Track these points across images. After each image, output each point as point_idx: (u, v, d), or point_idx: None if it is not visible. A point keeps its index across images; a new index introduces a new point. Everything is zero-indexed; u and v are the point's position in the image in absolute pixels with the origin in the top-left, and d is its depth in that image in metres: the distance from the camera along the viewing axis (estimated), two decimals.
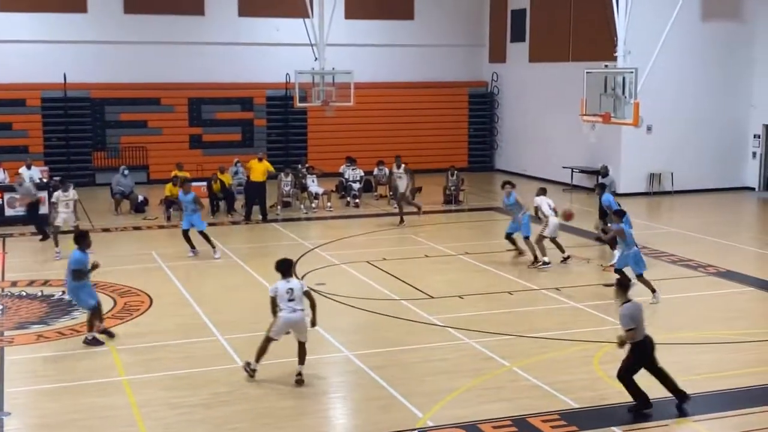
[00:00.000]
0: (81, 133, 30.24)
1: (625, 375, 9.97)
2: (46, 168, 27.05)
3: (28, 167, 23.81)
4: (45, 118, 29.89)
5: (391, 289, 15.76)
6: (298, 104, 26.72)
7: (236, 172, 25.86)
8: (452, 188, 26.02)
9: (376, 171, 27.32)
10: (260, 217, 22.95)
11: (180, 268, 17.44)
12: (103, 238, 20.35)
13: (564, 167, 29.26)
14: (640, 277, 14.63)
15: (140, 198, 24.63)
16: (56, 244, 18.31)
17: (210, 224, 20.48)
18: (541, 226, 17.71)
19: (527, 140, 32.42)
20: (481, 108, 34.54)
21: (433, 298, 15.18)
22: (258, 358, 11.14)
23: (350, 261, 18.09)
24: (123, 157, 29.93)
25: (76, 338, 12.84)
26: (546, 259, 17.39)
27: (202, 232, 18.38)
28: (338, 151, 30.24)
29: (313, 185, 25.31)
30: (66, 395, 10.62)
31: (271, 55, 31.51)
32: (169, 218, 22.87)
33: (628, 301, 10.00)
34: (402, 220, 22.33)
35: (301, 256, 18.51)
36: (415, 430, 9.63)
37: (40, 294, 15.41)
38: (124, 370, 11.50)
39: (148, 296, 15.14)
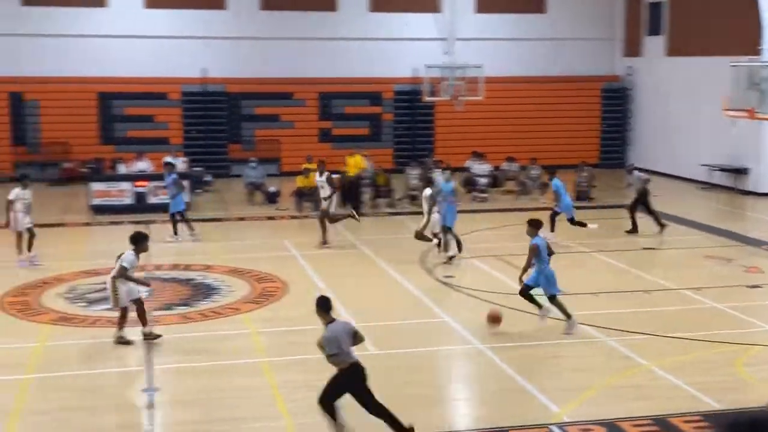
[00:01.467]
0: (218, 125, 31.33)
1: (325, 399, 8.97)
2: (185, 159, 28.16)
3: (173, 157, 24.91)
4: (185, 111, 31.11)
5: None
6: (427, 98, 26.82)
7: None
8: (583, 184, 25.55)
9: (504, 166, 27.12)
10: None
11: (312, 257, 17.83)
12: (239, 226, 21.05)
13: (702, 165, 28.22)
14: (553, 298, 12.85)
15: (272, 189, 25.32)
16: (21, 251, 16.85)
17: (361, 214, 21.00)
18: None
19: (663, 136, 31.43)
20: (614, 103, 33.73)
21: (565, 294, 14.95)
22: None
23: (479, 255, 18.05)
24: (257, 149, 30.82)
25: (217, 320, 13.34)
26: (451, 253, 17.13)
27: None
28: (465, 145, 30.17)
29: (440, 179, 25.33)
30: (209, 374, 11.05)
31: (401, 50, 31.74)
32: (300, 209, 23.41)
33: (332, 321, 8.91)
34: (325, 241, 18.75)
35: (430, 249, 18.60)
36: (551, 424, 9.54)
37: (182, 277, 16.08)
38: (263, 353, 11.87)
39: (284, 283, 15.56)
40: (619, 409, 9.87)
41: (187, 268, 16.81)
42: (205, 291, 15.09)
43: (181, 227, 19.47)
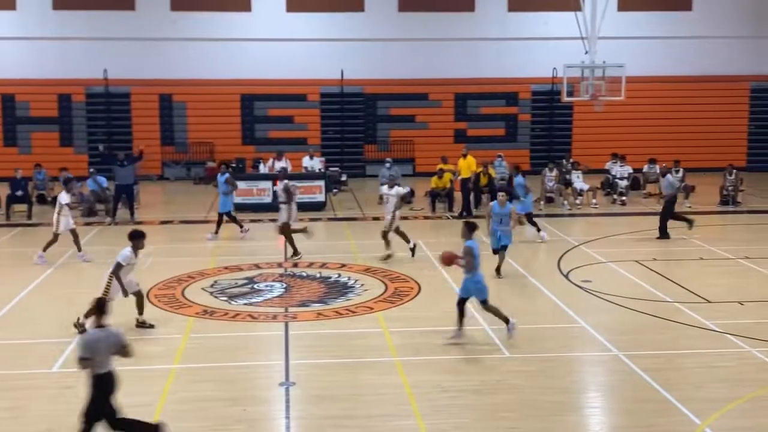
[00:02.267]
0: (354, 126, 31.82)
1: (87, 415, 8.44)
2: (322, 159, 28.73)
3: (311, 158, 25.51)
4: (323, 112, 31.77)
5: (663, 291, 15.09)
6: (566, 99, 26.32)
7: (499, 166, 25.98)
8: (730, 188, 24.44)
9: (645, 168, 26.28)
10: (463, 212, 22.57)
11: None
12: (373, 225, 21.26)
13: None
14: (485, 304, 12.23)
15: (406, 189, 25.44)
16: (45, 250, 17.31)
17: (475, 216, 20.81)
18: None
19: None
20: (764, 103, 32.11)
21: (709, 302, 14.33)
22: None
23: (617, 260, 17.54)
24: (391, 150, 31.10)
25: (351, 318, 13.52)
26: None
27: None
28: (604, 147, 29.45)
29: (578, 181, 24.84)
30: (344, 370, 11.21)
31: (539, 50, 31.31)
32: (434, 209, 23.44)
33: (102, 327, 8.52)
34: (296, 253, 17.53)
35: (566, 252, 18.24)
36: None
37: (318, 275, 16.40)
38: (395, 352, 11.94)
39: (417, 283, 15.61)
40: (766, 423, 9.36)
41: (323, 266, 17.13)
42: (341, 289, 15.33)
43: (217, 231, 19.87)
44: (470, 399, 10.23)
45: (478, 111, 32.11)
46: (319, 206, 23.99)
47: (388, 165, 25.81)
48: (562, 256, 17.93)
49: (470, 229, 12.28)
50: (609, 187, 25.79)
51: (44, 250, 17.32)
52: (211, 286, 15.52)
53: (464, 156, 23.69)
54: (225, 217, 19.98)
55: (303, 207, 23.15)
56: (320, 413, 9.86)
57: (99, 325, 8.60)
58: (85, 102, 31.30)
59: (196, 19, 31.10)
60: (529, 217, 19.49)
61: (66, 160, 28.15)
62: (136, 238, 12.64)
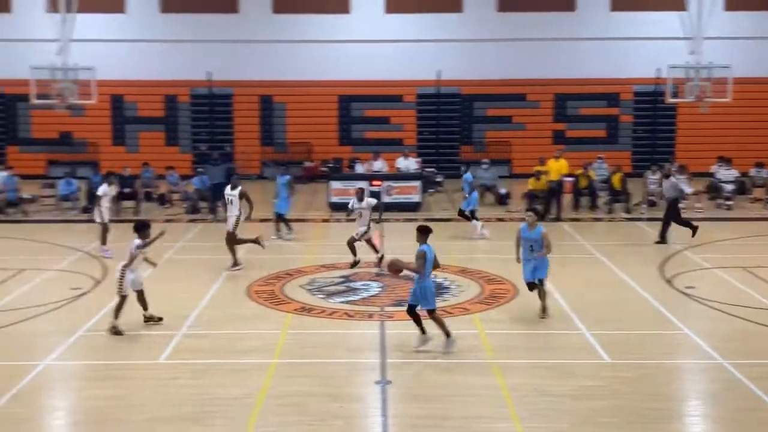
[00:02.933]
0: (450, 127, 31.78)
1: None
2: (418, 159, 28.81)
3: (405, 158, 25.62)
4: (419, 113, 31.84)
5: None
6: (670, 100, 25.68)
7: (599, 168, 25.51)
8: None
9: (752, 172, 25.39)
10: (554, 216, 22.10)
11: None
12: (468, 227, 21.16)
13: None
14: (432, 312, 11.82)
15: (503, 191, 25.28)
16: (104, 242, 18.09)
17: (573, 219, 20.53)
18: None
19: None
20: None
21: None
22: None
23: (723, 266, 17.00)
24: (488, 151, 30.93)
25: (447, 319, 13.46)
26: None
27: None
28: (709, 149, 28.58)
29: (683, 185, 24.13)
30: (440, 370, 11.21)
31: (641, 50, 30.63)
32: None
33: None
34: (235, 263, 16.59)
35: (669, 257, 17.79)
36: None
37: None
38: (492, 353, 11.86)
39: (514, 286, 15.48)
40: None
41: None
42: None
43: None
44: (568, 404, 10.08)
45: (578, 112, 31.62)
46: (414, 207, 24.06)
47: (485, 166, 25.67)
48: (665, 261, 17.48)
49: (424, 232, 11.84)
50: (714, 191, 25.00)
51: (103, 243, 18.04)
52: (309, 283, 15.75)
53: (557, 158, 23.35)
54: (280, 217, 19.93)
55: (399, 207, 23.31)
56: (416, 413, 9.88)
57: None
58: (190, 103, 32.22)
59: (297, 21, 31.62)
60: (472, 214, 20.06)
61: (171, 159, 29.03)
62: (142, 229, 12.89)
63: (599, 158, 26.10)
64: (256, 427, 9.43)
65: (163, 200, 24.73)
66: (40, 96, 25.50)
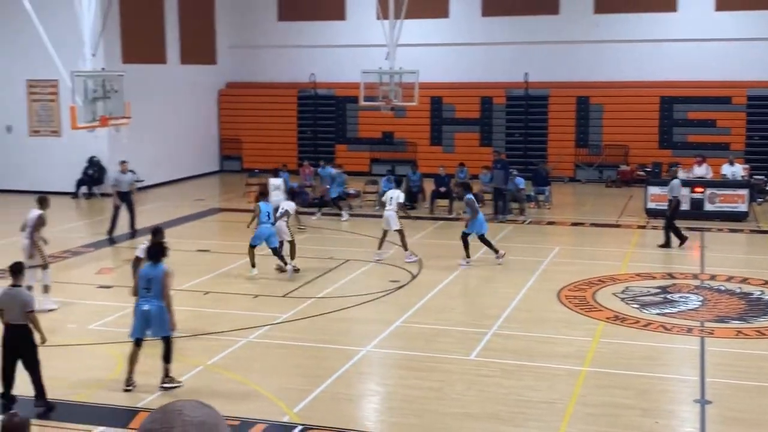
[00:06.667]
0: None
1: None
2: (746, 166, 26.78)
3: (731, 164, 23.98)
4: (749, 116, 29.60)
5: None
6: None
7: None
8: None
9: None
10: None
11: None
12: None
13: None
14: None
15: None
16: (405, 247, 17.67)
17: None
18: None
19: None
20: None
21: None
22: None
23: None
24: None
25: None
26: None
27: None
28: None
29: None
30: (764, 394, 10.34)
31: (754, 51, 26.46)
32: None
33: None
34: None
35: None
36: None
37: (738, 290, 15.30)
38: None
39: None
40: None
41: (744, 281, 15.95)
42: (764, 308, 14.15)
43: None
44: None
45: None
46: (740, 216, 22.37)
47: None
48: None
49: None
50: None
51: (405, 248, 17.76)
52: (623, 292, 15.26)
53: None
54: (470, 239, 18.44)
55: (723, 216, 21.84)
56: None
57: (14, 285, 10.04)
58: (505, 104, 32.57)
59: (617, 20, 30.74)
60: (482, 238, 17.33)
61: (485, 159, 29.57)
62: (155, 235, 12.68)
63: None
64: None
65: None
66: (367, 98, 27.14)
